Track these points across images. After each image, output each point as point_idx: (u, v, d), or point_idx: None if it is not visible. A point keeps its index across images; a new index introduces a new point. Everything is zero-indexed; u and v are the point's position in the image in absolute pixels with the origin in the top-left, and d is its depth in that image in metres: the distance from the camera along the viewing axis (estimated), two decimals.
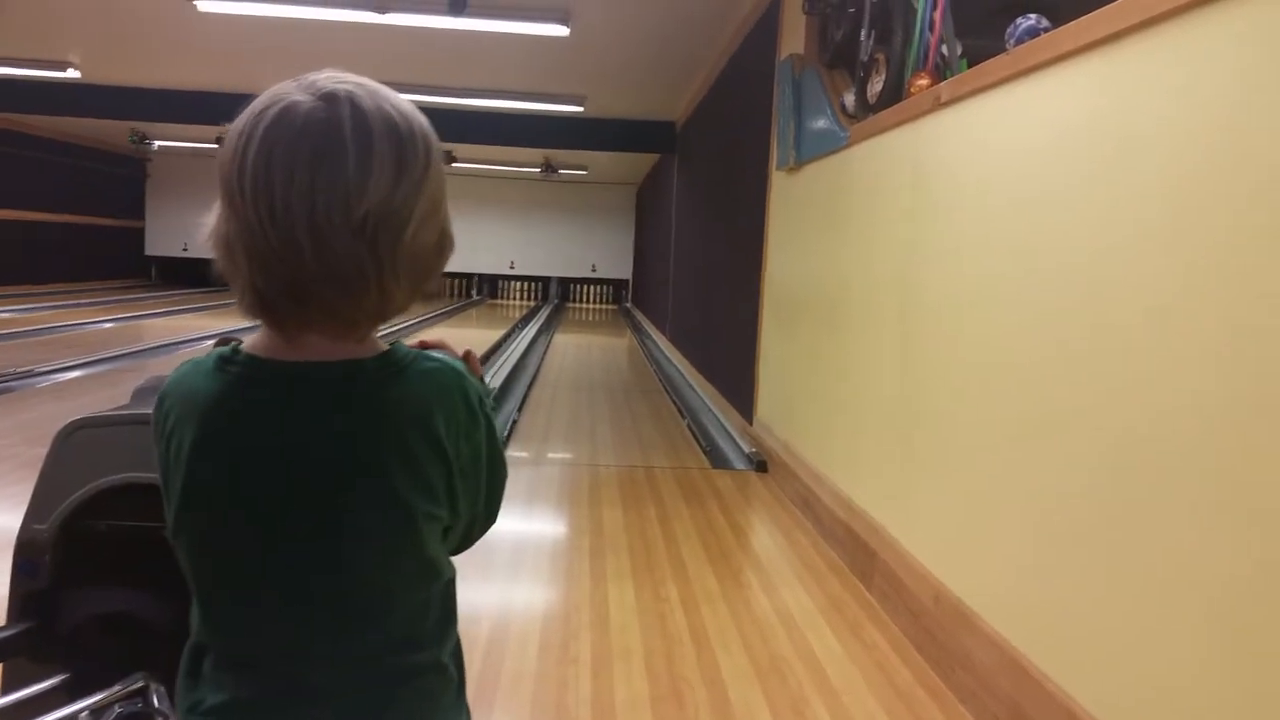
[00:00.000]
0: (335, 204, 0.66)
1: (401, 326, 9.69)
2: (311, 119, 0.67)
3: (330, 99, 0.68)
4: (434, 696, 0.80)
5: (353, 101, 0.68)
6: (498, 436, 0.84)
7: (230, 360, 0.74)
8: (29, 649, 1.35)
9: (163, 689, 1.26)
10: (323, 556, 0.73)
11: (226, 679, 0.75)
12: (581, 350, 9.57)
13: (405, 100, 0.73)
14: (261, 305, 0.70)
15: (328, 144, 0.66)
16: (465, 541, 0.85)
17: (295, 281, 0.67)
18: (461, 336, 10.49)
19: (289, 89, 0.69)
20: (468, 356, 0.89)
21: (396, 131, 0.69)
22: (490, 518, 0.87)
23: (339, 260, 0.67)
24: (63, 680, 1.32)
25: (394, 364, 0.75)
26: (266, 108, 0.68)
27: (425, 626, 0.79)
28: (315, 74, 0.71)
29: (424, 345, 0.88)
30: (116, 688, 1.25)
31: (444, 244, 0.77)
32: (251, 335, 0.76)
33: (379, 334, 0.80)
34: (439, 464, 0.75)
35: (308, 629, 0.75)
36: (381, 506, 0.73)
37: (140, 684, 1.27)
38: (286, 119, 0.67)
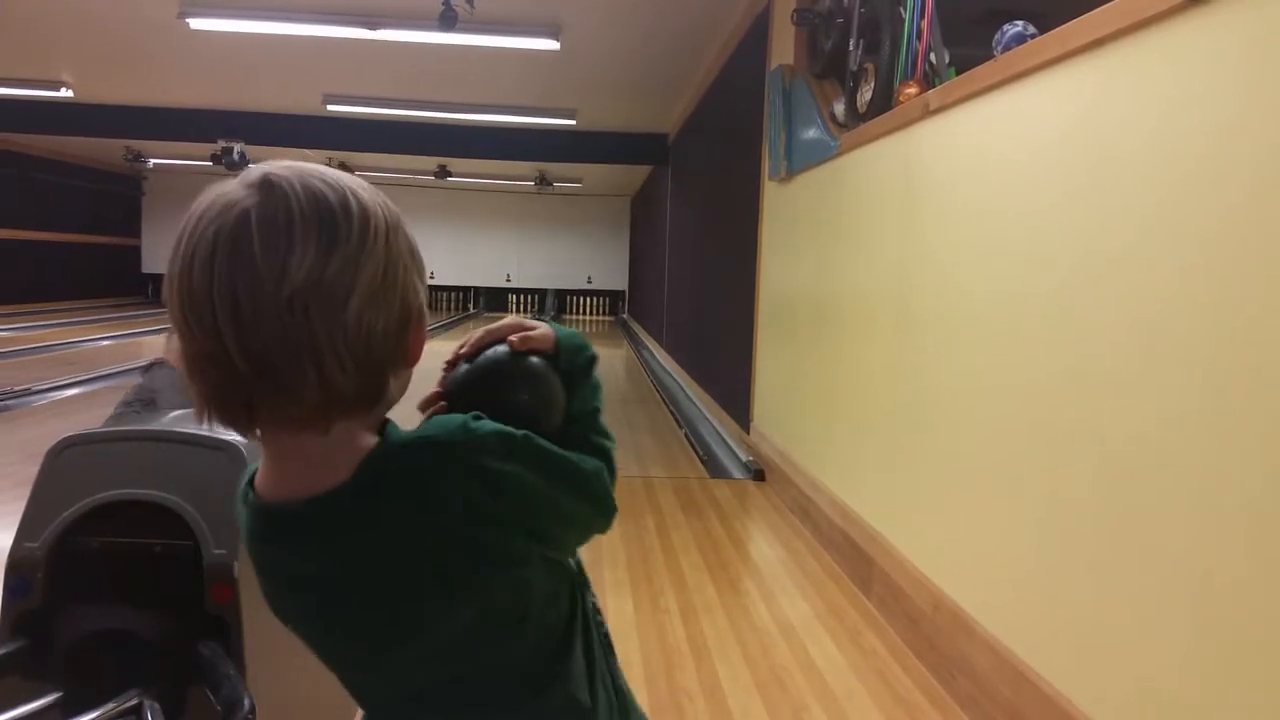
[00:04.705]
0: (254, 288, 0.63)
1: None
2: (229, 206, 0.64)
3: (250, 185, 0.65)
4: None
5: (271, 182, 0.65)
6: (545, 460, 0.74)
7: (245, 496, 0.74)
8: (22, 667, 1.34)
9: (157, 706, 1.26)
10: (410, 672, 0.75)
11: None
12: None
13: (352, 178, 0.70)
14: (220, 415, 0.67)
15: (241, 230, 0.63)
16: (583, 537, 0.82)
17: (230, 384, 0.64)
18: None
19: (226, 182, 0.67)
20: (525, 340, 0.78)
21: (324, 205, 0.66)
22: (601, 513, 0.80)
23: (266, 349, 0.63)
24: (56, 699, 1.32)
25: (371, 485, 0.69)
26: (198, 204, 0.66)
27: (541, 661, 0.78)
28: (264, 164, 0.68)
29: (491, 335, 0.78)
30: (111, 705, 1.24)
31: (407, 323, 0.69)
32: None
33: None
34: (487, 533, 0.71)
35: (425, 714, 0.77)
36: (441, 615, 0.72)
37: (135, 701, 1.27)
38: (209, 213, 0.65)
